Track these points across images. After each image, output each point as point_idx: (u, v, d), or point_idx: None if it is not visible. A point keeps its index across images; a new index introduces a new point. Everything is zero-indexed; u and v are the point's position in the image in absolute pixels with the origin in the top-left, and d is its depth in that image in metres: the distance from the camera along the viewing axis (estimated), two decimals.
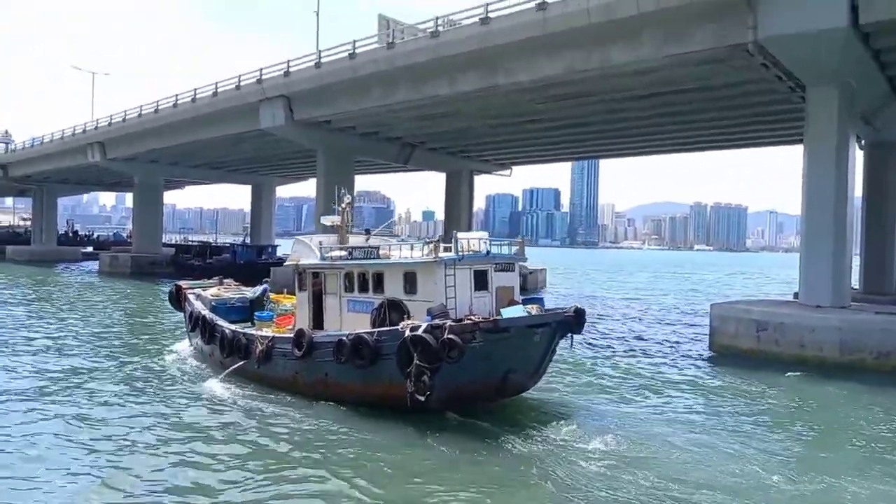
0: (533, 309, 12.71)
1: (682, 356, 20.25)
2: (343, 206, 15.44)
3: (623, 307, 37.21)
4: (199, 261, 49.63)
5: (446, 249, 12.71)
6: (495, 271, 13.16)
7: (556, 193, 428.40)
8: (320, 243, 14.83)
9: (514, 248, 14.03)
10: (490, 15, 23.49)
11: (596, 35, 21.48)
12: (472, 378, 11.59)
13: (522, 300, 13.49)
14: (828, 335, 17.56)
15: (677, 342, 23.26)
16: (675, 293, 50.73)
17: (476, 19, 24.01)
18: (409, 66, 26.80)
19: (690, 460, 10.27)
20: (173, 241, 69.79)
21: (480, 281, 12.85)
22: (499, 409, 12.64)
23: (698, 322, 28.46)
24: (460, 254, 12.50)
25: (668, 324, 29.34)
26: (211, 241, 67.30)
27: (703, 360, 19.66)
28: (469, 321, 11.44)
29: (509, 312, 12.33)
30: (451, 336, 10.96)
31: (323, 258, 14.38)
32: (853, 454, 11.19)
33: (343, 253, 14.31)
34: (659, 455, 10.42)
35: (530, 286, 43.16)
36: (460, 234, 13.33)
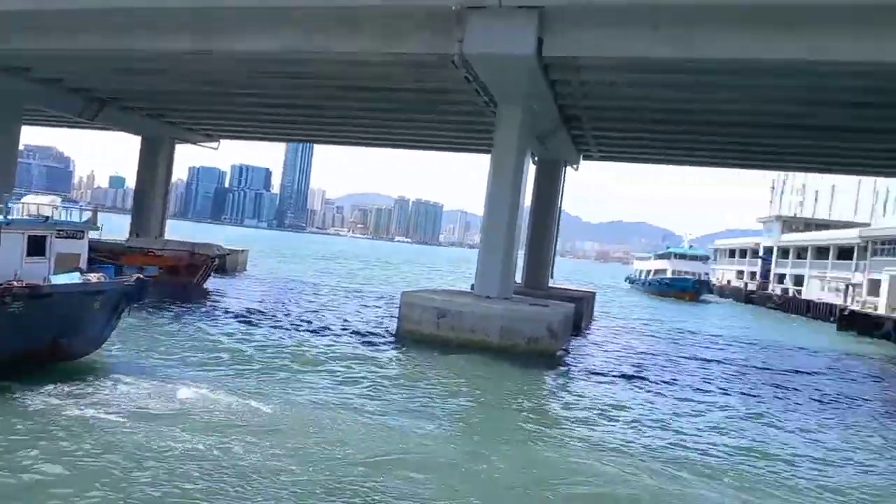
0: (94, 277, 13.23)
1: (369, 338, 21.42)
2: None
3: (324, 291, 37.94)
4: None
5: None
6: (57, 238, 13.39)
7: (268, 173, 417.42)
8: None
9: (86, 216, 14.54)
10: None
11: (318, 18, 21.37)
12: (12, 342, 11.69)
13: (92, 268, 13.80)
14: (492, 322, 20.20)
15: (369, 326, 24.49)
16: (379, 281, 53.41)
17: None
18: (105, 10, 23.45)
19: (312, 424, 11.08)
20: None
21: (36, 247, 13.04)
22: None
23: (393, 309, 30.38)
24: (9, 218, 12.77)
25: (364, 309, 30.75)
26: None
27: (385, 342, 21.01)
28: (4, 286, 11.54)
29: (60, 279, 12.78)
30: None
31: None
32: (487, 421, 13.06)
33: None
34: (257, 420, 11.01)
35: (229, 267, 41.39)
36: (26, 199, 13.95)
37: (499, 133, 23.41)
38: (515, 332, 20.17)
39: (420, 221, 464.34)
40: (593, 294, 37.35)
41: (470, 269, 26.18)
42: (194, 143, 44.72)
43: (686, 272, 71.25)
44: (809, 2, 16.86)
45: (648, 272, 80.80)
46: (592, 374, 19.24)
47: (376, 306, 32.31)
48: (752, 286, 78.62)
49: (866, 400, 19.99)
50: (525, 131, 23.38)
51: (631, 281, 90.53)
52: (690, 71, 19.96)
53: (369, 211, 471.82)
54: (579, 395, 16.20)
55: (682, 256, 74.70)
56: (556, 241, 36.25)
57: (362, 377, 15.49)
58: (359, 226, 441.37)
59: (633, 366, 21.54)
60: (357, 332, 22.58)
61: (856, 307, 48.26)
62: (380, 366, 17.24)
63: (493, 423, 13.02)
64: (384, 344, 20.74)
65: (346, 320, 25.64)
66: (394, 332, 22.26)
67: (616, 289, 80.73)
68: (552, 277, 35.62)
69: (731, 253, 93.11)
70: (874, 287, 48.53)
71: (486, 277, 23.17)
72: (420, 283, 53.33)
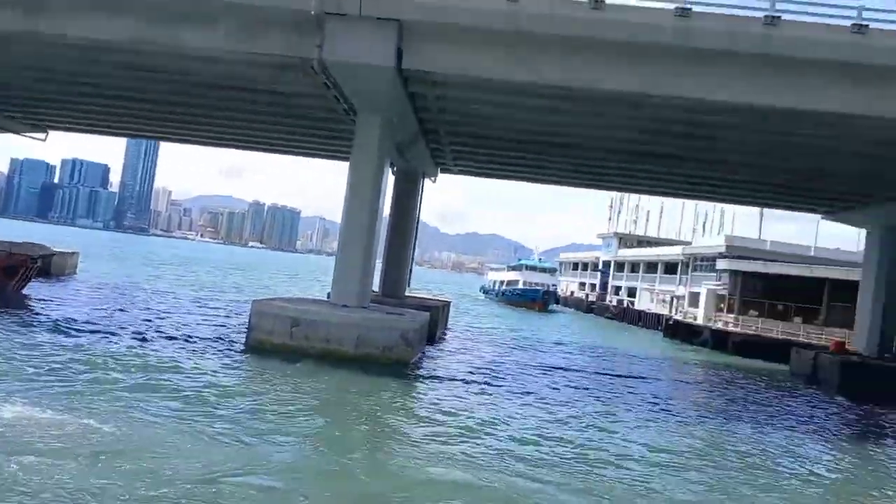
0: None
1: (216, 349, 20.30)
2: None
3: (167, 299, 35.54)
4: None
5: None
6: None
7: (105, 170, 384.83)
8: None
9: None
10: None
11: (166, 9, 20.12)
12: None
13: None
14: (348, 331, 20.00)
15: (216, 336, 23.21)
16: (229, 288, 50.94)
17: None
18: None
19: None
20: None
21: None
22: None
23: (244, 318, 29.08)
24: None
25: (212, 318, 29.17)
26: None
27: (234, 353, 20.03)
28: None
29: None
30: None
31: None
32: (341, 433, 12.90)
33: None
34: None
35: (55, 271, 37.57)
36: None
37: (358, 141, 23.34)
38: (370, 341, 20.12)
39: (276, 227, 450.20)
40: (448, 303, 38.22)
41: (328, 278, 25.75)
42: (17, 133, 40.11)
43: (536, 283, 75.17)
44: (643, 41, 18.58)
45: (502, 283, 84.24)
46: (445, 381, 19.66)
47: (225, 315, 30.78)
48: (592, 297, 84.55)
49: (683, 402, 22.19)
50: (384, 141, 23.51)
51: (485, 291, 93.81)
52: (541, 95, 21.17)
53: (221, 214, 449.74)
54: (432, 404, 16.46)
55: (533, 268, 78.78)
56: (414, 250, 36.75)
57: (208, 390, 14.64)
58: (209, 229, 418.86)
59: (484, 373, 22.28)
60: (203, 343, 21.32)
61: (679, 317, 53.51)
62: (228, 378, 16.41)
63: (347, 434, 12.85)
64: (233, 355, 19.78)
65: (191, 330, 24.09)
66: (243, 343, 21.32)
67: (471, 298, 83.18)
68: (409, 286, 36.02)
69: (575, 266, 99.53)
70: (694, 299, 54.10)
71: (342, 286, 22.94)
72: (276, 291, 51.55)
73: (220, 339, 22.77)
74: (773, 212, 50.83)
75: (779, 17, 18.20)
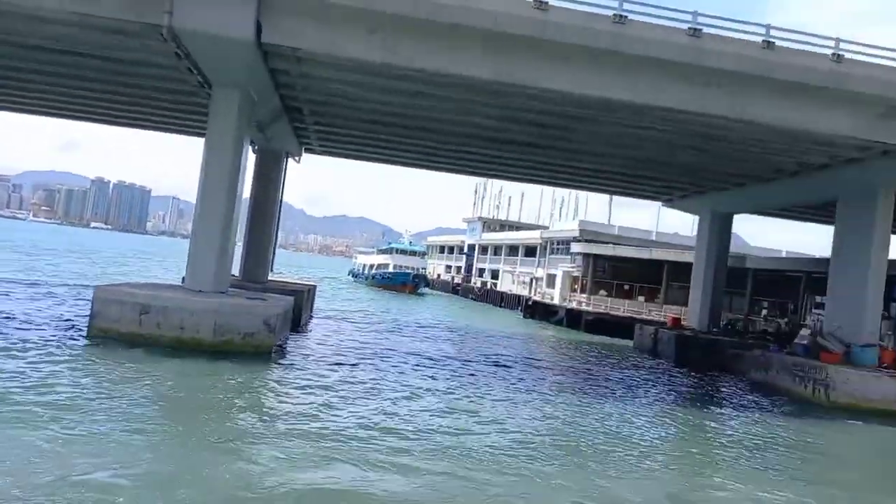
0: None
1: (52, 341, 18.37)
2: None
3: None
4: None
5: None
6: None
7: None
8: None
9: None
10: None
11: None
12: None
13: None
14: (205, 318, 19.01)
15: (52, 327, 21.06)
16: (69, 274, 46.52)
17: None
18: None
19: None
20: None
21: None
22: None
23: (86, 306, 26.72)
24: None
25: (48, 307, 26.49)
26: None
27: (74, 344, 18.34)
28: None
29: None
30: None
31: None
32: (198, 425, 12.36)
33: None
34: None
35: None
36: None
37: (213, 118, 22.08)
38: (230, 327, 19.25)
39: (123, 207, 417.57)
40: (314, 287, 37.49)
41: (184, 261, 24.22)
42: None
43: (406, 266, 75.76)
44: (503, 30, 19.10)
45: (371, 266, 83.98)
46: (309, 368, 19.29)
47: (64, 304, 28.05)
48: (458, 279, 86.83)
49: (540, 380, 23.43)
50: (243, 118, 22.42)
51: (354, 275, 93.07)
52: (403, 78, 21.12)
53: (57, 192, 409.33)
54: (295, 390, 16.12)
55: (403, 252, 79.28)
56: (278, 233, 35.57)
57: (46, 387, 13.26)
58: (43, 209, 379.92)
59: (350, 359, 22.10)
60: (36, 335, 19.24)
61: (538, 298, 56.31)
62: (68, 372, 14.92)
63: (203, 426, 12.16)
64: (73, 347, 18.04)
65: (20, 322, 21.57)
66: (85, 333, 19.57)
67: (339, 282, 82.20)
68: (272, 270, 34.88)
69: (441, 249, 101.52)
70: (551, 280, 57.16)
71: (198, 270, 21.73)
72: (124, 276, 47.82)
73: (57, 329, 20.72)
74: (623, 199, 54.77)
75: (626, 16, 19.43)
